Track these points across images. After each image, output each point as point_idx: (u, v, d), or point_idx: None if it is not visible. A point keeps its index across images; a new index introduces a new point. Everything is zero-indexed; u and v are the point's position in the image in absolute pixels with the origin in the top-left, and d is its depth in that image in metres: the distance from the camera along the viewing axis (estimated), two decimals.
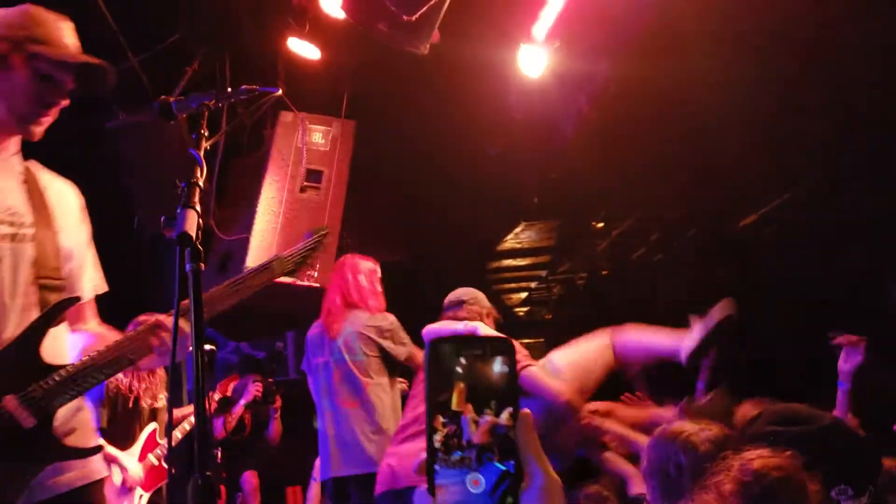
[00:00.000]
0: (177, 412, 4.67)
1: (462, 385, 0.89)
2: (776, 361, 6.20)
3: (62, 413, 1.94)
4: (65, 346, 2.07)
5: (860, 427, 2.99)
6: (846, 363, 3.21)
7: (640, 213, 7.78)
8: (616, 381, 4.07)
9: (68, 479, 1.96)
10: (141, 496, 4.37)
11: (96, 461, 2.05)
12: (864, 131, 5.47)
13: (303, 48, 4.70)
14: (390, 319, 4.14)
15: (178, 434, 4.67)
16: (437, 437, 0.89)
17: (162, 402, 4.53)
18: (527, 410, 0.92)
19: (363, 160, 5.33)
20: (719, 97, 5.23)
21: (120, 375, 4.34)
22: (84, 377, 1.89)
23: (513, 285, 10.49)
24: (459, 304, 3.87)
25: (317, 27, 4.65)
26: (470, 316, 3.79)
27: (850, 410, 3.12)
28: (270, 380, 6.44)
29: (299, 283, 4.88)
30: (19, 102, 2.00)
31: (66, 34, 2.08)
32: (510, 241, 8.57)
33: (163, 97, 2.06)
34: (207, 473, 1.44)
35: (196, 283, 1.51)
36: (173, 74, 4.65)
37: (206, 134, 1.74)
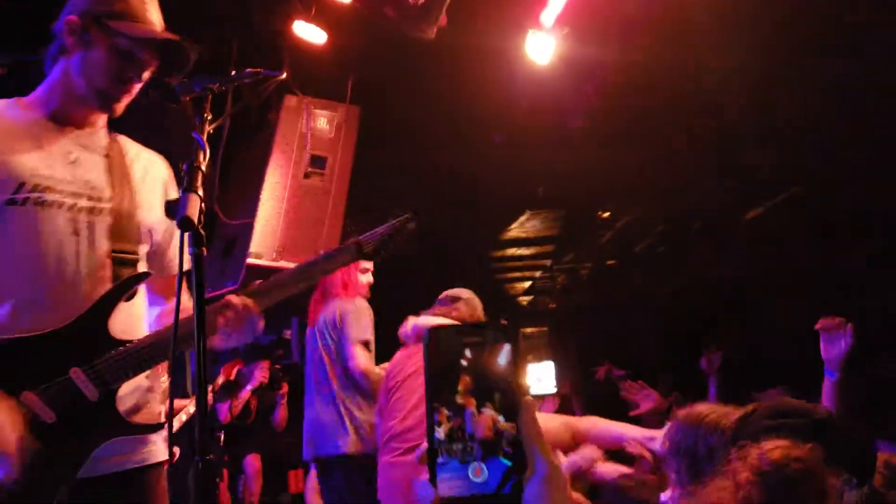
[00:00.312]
0: (178, 403, 4.67)
1: (468, 378, 0.88)
2: (782, 358, 6.19)
3: (129, 389, 1.95)
4: (140, 320, 2.08)
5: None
6: (830, 350, 3.02)
7: (646, 204, 7.76)
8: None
9: (128, 459, 1.97)
10: None
11: (159, 443, 2.06)
12: (874, 125, 5.43)
13: (309, 32, 4.67)
14: (357, 303, 4.15)
15: (183, 417, 4.68)
16: (441, 430, 0.88)
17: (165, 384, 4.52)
18: (529, 398, 0.91)
19: (367, 146, 5.31)
20: (728, 88, 5.20)
21: None
22: (147, 354, 1.89)
23: (517, 274, 10.49)
24: (455, 300, 3.85)
25: (323, 10, 4.61)
26: (460, 316, 3.75)
27: (842, 403, 2.92)
28: (277, 366, 6.45)
29: None
30: (99, 79, 2.00)
31: (150, 9, 2.08)
32: (515, 230, 8.56)
33: (166, 80, 2.06)
34: (208, 457, 1.43)
35: (198, 268, 1.50)
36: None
37: (210, 117, 1.72)
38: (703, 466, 2.04)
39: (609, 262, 9.43)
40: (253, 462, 6.63)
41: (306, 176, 5.01)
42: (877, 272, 6.21)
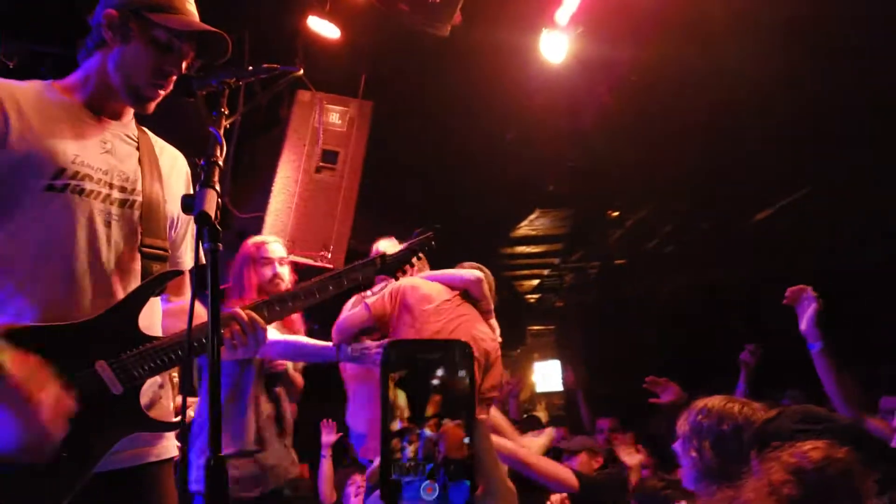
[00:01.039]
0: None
1: (438, 398, 0.88)
2: (790, 359, 6.16)
3: (146, 385, 1.94)
4: (159, 317, 2.07)
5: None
6: (802, 320, 2.96)
7: (655, 203, 7.74)
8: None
9: (139, 454, 1.97)
10: None
11: (169, 440, 2.05)
12: (885, 126, 5.41)
13: (323, 27, 4.67)
14: None
15: (190, 413, 4.69)
16: (394, 444, 0.88)
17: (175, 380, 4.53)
18: (483, 416, 0.91)
19: (379, 142, 5.31)
20: (740, 88, 5.18)
21: None
22: (175, 353, 1.88)
23: (525, 272, 10.48)
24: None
25: (337, 6, 4.61)
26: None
27: (833, 370, 2.82)
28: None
29: (314, 263, 4.88)
30: (136, 76, 1.99)
31: (187, 1, 2.06)
32: (524, 228, 8.54)
33: (183, 74, 2.05)
34: (220, 455, 1.43)
35: (213, 264, 1.50)
36: None
37: (226, 112, 1.71)
38: (729, 445, 2.02)
39: (617, 262, 9.41)
40: None
41: (318, 170, 5.01)
42: (886, 274, 6.19)
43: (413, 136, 5.81)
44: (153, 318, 2.01)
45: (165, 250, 2.05)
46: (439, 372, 0.89)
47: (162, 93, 2.03)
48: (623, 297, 9.55)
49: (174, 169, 2.15)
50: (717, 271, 8.14)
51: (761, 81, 5.05)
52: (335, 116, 5.11)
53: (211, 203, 1.48)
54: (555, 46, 4.55)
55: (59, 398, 1.73)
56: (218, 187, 1.52)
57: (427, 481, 0.89)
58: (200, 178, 1.53)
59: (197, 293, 1.67)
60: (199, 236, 1.47)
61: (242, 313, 1.92)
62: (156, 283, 1.96)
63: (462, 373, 0.90)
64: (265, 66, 1.90)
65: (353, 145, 5.14)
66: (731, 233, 7.71)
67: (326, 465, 5.54)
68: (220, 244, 1.50)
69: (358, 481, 4.87)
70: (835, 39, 4.69)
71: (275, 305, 2.01)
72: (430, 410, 0.89)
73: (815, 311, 2.92)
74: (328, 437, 5.57)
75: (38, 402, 1.69)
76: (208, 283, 1.49)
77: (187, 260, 2.19)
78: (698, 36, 4.75)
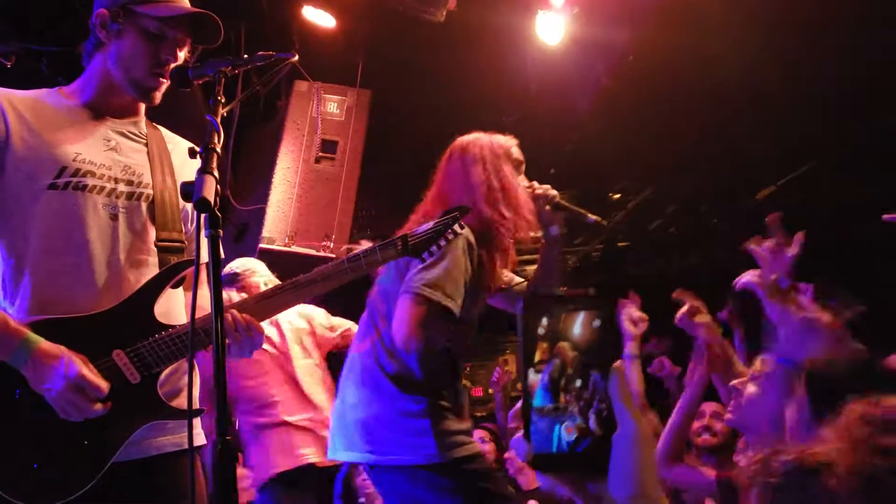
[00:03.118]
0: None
1: (545, 345, 0.91)
2: None
3: (168, 374, 1.97)
4: (182, 308, 2.09)
5: None
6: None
7: (657, 185, 7.72)
8: None
9: (162, 443, 1.99)
10: None
11: (198, 426, 2.05)
12: (883, 102, 5.39)
13: (317, 16, 4.66)
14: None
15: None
16: (530, 386, 0.91)
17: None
18: (618, 363, 0.93)
19: (378, 129, 5.30)
20: (739, 68, 5.16)
21: None
22: (182, 340, 1.90)
23: (527, 257, 10.45)
24: (233, 278, 3.81)
25: None
26: (248, 289, 3.70)
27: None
28: None
29: (317, 253, 4.89)
30: (135, 68, 2.02)
31: None
32: None
33: (179, 64, 2.06)
34: (227, 438, 1.45)
35: (215, 250, 1.51)
36: None
37: (223, 100, 1.73)
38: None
39: (620, 244, 9.40)
40: None
41: (317, 160, 5.01)
42: (887, 248, 6.18)
43: (411, 123, 5.80)
44: (173, 309, 2.03)
45: (181, 242, 2.08)
46: (568, 322, 0.93)
47: (164, 81, 2.06)
48: (628, 278, 9.54)
49: (187, 163, 2.17)
50: (721, 251, 8.13)
51: (760, 59, 5.03)
52: (333, 106, 5.11)
53: (210, 189, 1.49)
54: (551, 28, 4.53)
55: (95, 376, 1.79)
56: (216, 174, 1.53)
57: (566, 422, 0.92)
58: (200, 164, 1.54)
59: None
60: (198, 223, 1.48)
61: (238, 315, 1.91)
62: (170, 273, 1.98)
63: (589, 320, 0.93)
64: (261, 53, 1.91)
65: (352, 134, 5.14)
66: (734, 212, 7.70)
67: None
68: (221, 230, 1.52)
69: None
70: (831, 14, 4.67)
71: (289, 291, 2.01)
72: (557, 355, 0.92)
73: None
74: None
75: (81, 376, 1.75)
76: (210, 269, 1.50)
77: (204, 253, 2.20)
78: (696, 14, 4.73)
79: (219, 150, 1.58)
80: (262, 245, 4.75)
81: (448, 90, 5.43)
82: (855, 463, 1.43)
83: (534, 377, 0.82)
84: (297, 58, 2.09)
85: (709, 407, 3.71)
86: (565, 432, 0.83)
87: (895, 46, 4.66)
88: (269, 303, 1.99)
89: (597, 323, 0.82)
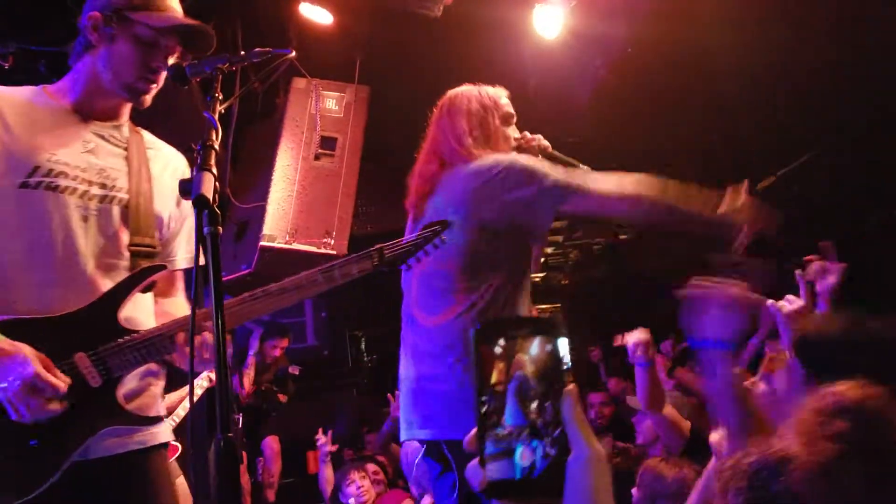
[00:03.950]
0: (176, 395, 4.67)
1: (501, 365, 0.91)
2: None
3: (129, 379, 1.97)
4: (151, 314, 2.09)
5: None
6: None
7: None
8: None
9: (125, 442, 1.99)
10: None
11: (158, 426, 2.07)
12: (883, 90, 5.38)
13: (315, 13, 4.65)
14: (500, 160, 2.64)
15: (197, 391, 4.70)
16: (484, 412, 0.91)
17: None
18: (571, 386, 0.93)
19: (377, 126, 5.29)
20: (737, 59, 5.14)
21: None
22: (152, 345, 1.90)
23: None
24: None
25: None
26: None
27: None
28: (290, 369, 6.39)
29: (318, 250, 4.89)
30: (125, 72, 2.03)
31: None
32: None
33: (176, 61, 2.06)
34: (229, 435, 1.44)
35: (214, 247, 1.50)
36: None
37: (220, 97, 1.72)
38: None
39: (622, 237, 9.39)
40: (272, 444, 6.68)
41: (317, 157, 5.01)
42: (887, 238, 6.18)
43: (410, 119, 5.78)
44: (140, 313, 2.03)
45: (153, 247, 2.08)
46: (523, 345, 0.93)
47: (154, 87, 2.07)
48: (630, 271, 9.54)
49: (167, 169, 2.17)
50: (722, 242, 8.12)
51: (759, 51, 5.02)
52: (332, 102, 5.10)
53: (208, 186, 1.49)
54: (549, 21, 4.52)
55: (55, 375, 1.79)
56: (215, 171, 1.53)
57: (521, 448, 0.92)
58: (197, 162, 1.54)
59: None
60: (198, 219, 1.48)
61: (208, 334, 1.87)
62: (138, 278, 1.99)
63: (542, 344, 0.93)
64: (258, 50, 1.91)
65: (351, 131, 5.13)
66: None
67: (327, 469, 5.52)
68: (220, 227, 1.51)
69: (357, 480, 4.89)
70: (829, 5, 4.66)
71: (260, 300, 1.98)
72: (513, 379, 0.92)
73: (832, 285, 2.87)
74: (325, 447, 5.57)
75: (40, 375, 1.75)
76: (209, 266, 1.49)
77: (179, 259, 2.21)
78: (694, 6, 4.72)
79: (217, 147, 1.58)
80: (262, 243, 4.74)
81: (446, 85, 5.40)
82: (810, 454, 1.45)
83: (492, 400, 0.83)
84: (294, 54, 2.09)
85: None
86: (520, 458, 0.83)
87: (893, 35, 4.65)
88: (239, 310, 1.96)
89: (549, 347, 0.83)
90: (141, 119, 2.22)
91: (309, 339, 8.64)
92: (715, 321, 2.13)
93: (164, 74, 2.06)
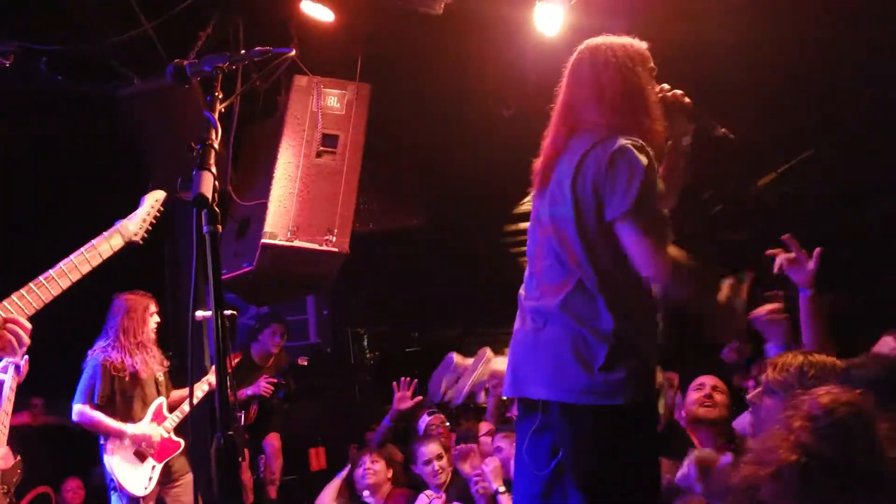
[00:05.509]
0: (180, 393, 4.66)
1: None
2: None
3: None
4: None
5: None
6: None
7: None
8: None
9: None
10: (153, 467, 4.44)
11: None
12: (882, 87, 5.38)
13: (316, 11, 4.65)
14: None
15: (198, 394, 4.70)
16: None
17: (161, 375, 4.57)
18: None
19: (379, 123, 5.29)
20: (739, 56, 5.14)
21: (110, 351, 4.44)
22: None
23: None
24: None
25: None
26: None
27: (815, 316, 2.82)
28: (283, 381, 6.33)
29: (319, 248, 4.90)
30: None
31: None
32: (527, 204, 8.50)
33: (176, 61, 2.06)
34: (229, 433, 1.45)
35: (213, 246, 1.51)
36: (187, 40, 4.61)
37: (221, 96, 1.73)
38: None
39: None
40: (273, 441, 6.68)
41: (318, 155, 5.01)
42: (887, 234, 6.18)
43: (411, 116, 5.80)
44: None
45: None
46: None
47: None
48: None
49: None
50: (722, 239, 8.12)
51: (760, 47, 5.02)
52: (333, 100, 5.11)
53: (207, 185, 1.50)
54: (549, 19, 4.52)
55: None
56: (214, 169, 1.53)
57: None
58: (197, 161, 1.54)
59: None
60: (197, 219, 1.48)
61: (11, 324, 1.94)
62: None
63: None
64: (258, 49, 1.91)
65: (352, 128, 5.14)
66: (736, 199, 7.68)
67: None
68: (220, 226, 1.52)
69: (367, 462, 4.88)
70: (828, 7, 4.66)
71: (33, 291, 2.06)
72: None
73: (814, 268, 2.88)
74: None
75: None
76: (209, 264, 1.50)
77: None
78: (694, 3, 4.72)
79: (216, 146, 1.59)
80: (264, 240, 4.75)
81: (447, 83, 5.42)
82: (787, 463, 1.52)
83: None
84: (294, 52, 2.09)
85: (709, 380, 3.76)
86: None
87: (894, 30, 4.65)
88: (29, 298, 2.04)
89: None
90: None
91: (311, 336, 8.65)
92: None
93: None
